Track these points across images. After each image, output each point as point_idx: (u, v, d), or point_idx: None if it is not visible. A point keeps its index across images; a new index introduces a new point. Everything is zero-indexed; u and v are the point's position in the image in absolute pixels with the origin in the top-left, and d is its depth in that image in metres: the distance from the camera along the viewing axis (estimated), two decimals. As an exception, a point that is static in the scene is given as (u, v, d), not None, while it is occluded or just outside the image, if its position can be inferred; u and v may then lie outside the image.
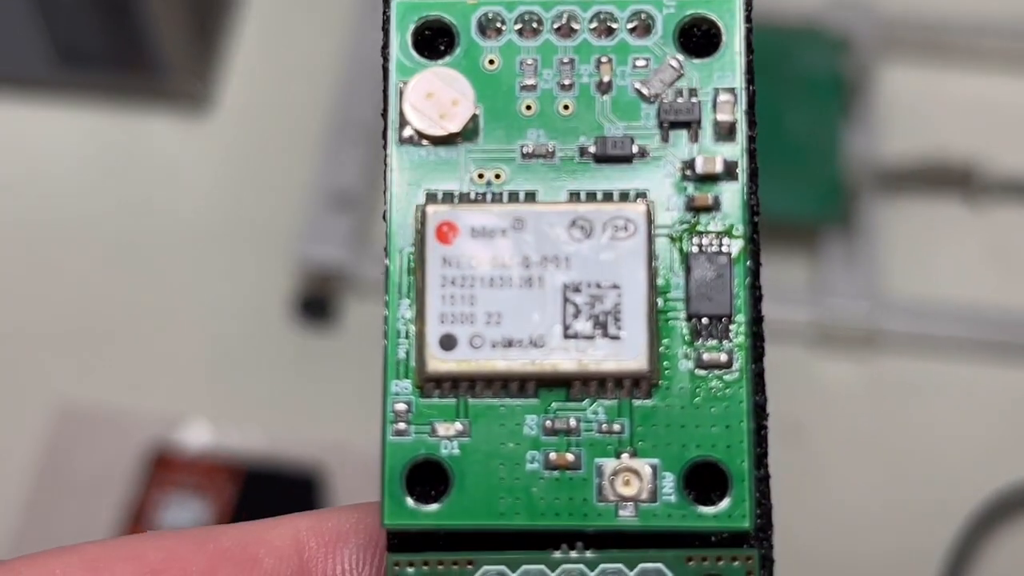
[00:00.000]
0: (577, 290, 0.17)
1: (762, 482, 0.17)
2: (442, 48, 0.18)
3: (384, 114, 0.18)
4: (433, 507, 0.17)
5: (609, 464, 0.17)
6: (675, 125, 0.18)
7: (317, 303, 0.46)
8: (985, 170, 0.48)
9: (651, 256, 0.17)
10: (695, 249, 0.17)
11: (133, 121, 0.50)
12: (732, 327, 0.17)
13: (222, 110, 0.50)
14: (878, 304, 0.46)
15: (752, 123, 0.18)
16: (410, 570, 0.17)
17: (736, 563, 0.17)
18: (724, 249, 0.17)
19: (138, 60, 0.48)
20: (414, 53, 0.18)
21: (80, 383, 0.45)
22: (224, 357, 0.46)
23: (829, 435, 0.45)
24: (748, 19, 0.18)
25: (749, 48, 0.18)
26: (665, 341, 0.17)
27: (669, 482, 0.17)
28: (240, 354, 0.46)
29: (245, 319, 0.46)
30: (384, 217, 0.17)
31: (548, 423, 0.17)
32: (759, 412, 0.17)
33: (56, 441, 0.43)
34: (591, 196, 0.18)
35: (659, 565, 0.17)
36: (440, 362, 0.17)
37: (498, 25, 0.18)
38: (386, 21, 0.18)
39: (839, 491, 0.44)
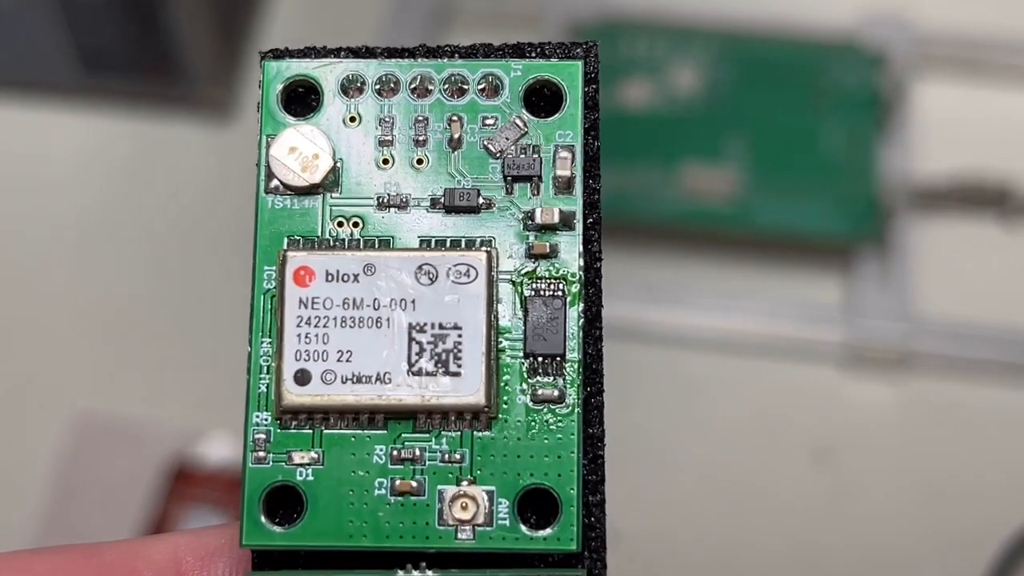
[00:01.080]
0: (422, 330, 0.19)
1: (596, 507, 0.19)
2: (313, 104, 0.20)
3: (258, 164, 0.19)
4: (286, 528, 0.19)
5: (449, 491, 0.19)
6: (518, 179, 0.19)
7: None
8: (1021, 190, 0.48)
9: (491, 299, 0.19)
10: (531, 293, 0.19)
11: (157, 127, 0.50)
12: (566, 365, 0.19)
13: (245, 116, 0.50)
14: (912, 325, 0.46)
15: (595, 176, 0.19)
16: (266, 586, 0.19)
17: (566, 583, 0.19)
18: (559, 293, 0.19)
19: (162, 66, 0.48)
20: (280, 111, 0.20)
21: (100, 395, 0.45)
22: (245, 369, 0.47)
23: (860, 458, 0.45)
24: (593, 80, 0.19)
25: (594, 106, 0.19)
26: (505, 378, 0.19)
27: (504, 507, 0.18)
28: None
29: None
30: (251, 262, 0.19)
31: (395, 452, 0.19)
32: (595, 443, 0.19)
33: (76, 453, 0.43)
34: (441, 243, 0.19)
35: (495, 585, 0.19)
36: (295, 396, 0.19)
37: (359, 85, 0.20)
38: (260, 80, 0.20)
39: (870, 514, 0.44)
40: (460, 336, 0.19)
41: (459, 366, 0.19)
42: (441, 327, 0.19)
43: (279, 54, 0.20)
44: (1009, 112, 0.50)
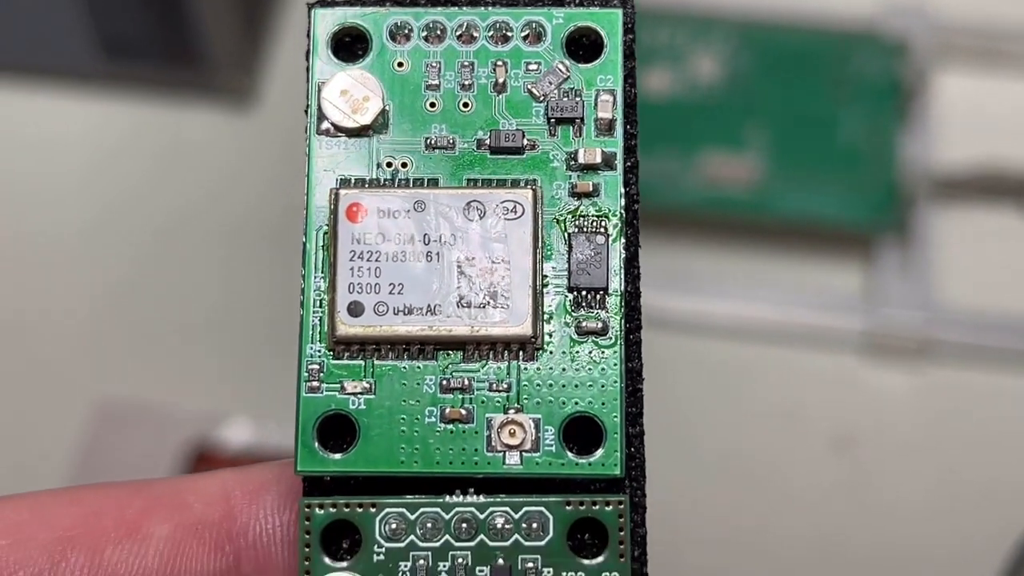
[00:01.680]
0: (471, 264, 0.19)
1: (636, 438, 0.20)
2: (359, 52, 0.20)
3: (306, 110, 0.20)
4: (340, 455, 0.19)
5: (497, 418, 0.19)
6: (561, 121, 0.20)
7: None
8: (1042, 180, 0.48)
9: (537, 235, 0.20)
10: (575, 230, 0.20)
11: (178, 114, 0.50)
12: (608, 299, 0.20)
13: (267, 103, 0.50)
14: (932, 313, 0.46)
15: (633, 122, 0.20)
16: (319, 512, 0.19)
17: (609, 507, 0.19)
18: (601, 230, 0.20)
19: (184, 53, 0.49)
20: (332, 57, 0.20)
21: (121, 380, 0.46)
22: (266, 354, 0.46)
23: (881, 445, 0.45)
24: (630, 30, 0.20)
25: (630, 55, 0.20)
26: (548, 311, 0.20)
27: (550, 434, 0.19)
28: (282, 351, 0.46)
29: (288, 315, 0.47)
30: (304, 201, 0.20)
31: (444, 382, 0.19)
32: (634, 376, 0.20)
33: (97, 438, 0.43)
34: (486, 183, 0.20)
35: (541, 508, 0.19)
36: (348, 327, 0.19)
37: (407, 32, 0.20)
38: (309, 28, 0.20)
39: (889, 502, 0.45)
40: (507, 269, 0.19)
41: (507, 298, 0.19)
42: (489, 261, 0.19)
43: (327, 3, 0.20)
44: (1030, 102, 0.50)
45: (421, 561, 0.19)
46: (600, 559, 0.19)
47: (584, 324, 0.19)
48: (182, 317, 0.47)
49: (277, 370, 0.46)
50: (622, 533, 0.19)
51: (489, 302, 0.19)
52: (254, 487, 0.20)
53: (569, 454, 0.19)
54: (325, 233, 0.20)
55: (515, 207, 0.20)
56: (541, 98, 0.20)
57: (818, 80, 0.49)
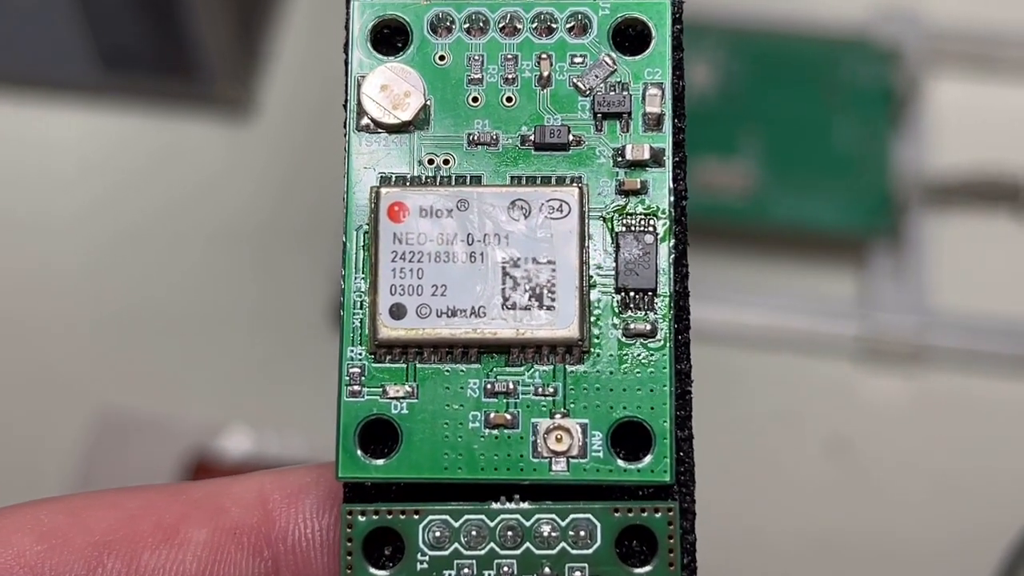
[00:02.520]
0: (516, 265, 0.19)
1: (685, 442, 0.19)
2: (399, 45, 0.20)
3: (345, 105, 0.20)
4: (382, 461, 0.19)
5: (543, 423, 0.19)
6: (608, 116, 0.19)
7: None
8: (1034, 185, 0.48)
9: (583, 234, 0.19)
10: (623, 229, 0.19)
11: (176, 125, 0.50)
12: (657, 300, 0.19)
13: (265, 114, 0.50)
14: (926, 319, 0.46)
15: (681, 115, 0.20)
16: (362, 519, 0.19)
17: (658, 514, 0.19)
18: (649, 229, 0.19)
19: (182, 64, 0.48)
20: (372, 50, 0.20)
21: (122, 390, 0.46)
22: (265, 363, 0.46)
23: (875, 450, 0.45)
24: (678, 20, 0.20)
25: (678, 47, 0.20)
26: (596, 312, 0.19)
27: (598, 440, 0.19)
28: (281, 360, 0.46)
29: (286, 325, 0.47)
30: (343, 199, 0.19)
31: (489, 386, 0.19)
32: (683, 378, 0.19)
33: (98, 447, 0.43)
34: (531, 180, 0.19)
35: (588, 516, 0.19)
36: (390, 330, 0.19)
37: (448, 24, 0.20)
38: (347, 20, 0.20)
39: (884, 506, 0.45)
40: (554, 270, 0.19)
41: (553, 300, 0.19)
42: (535, 261, 0.19)
43: None
44: (1021, 107, 0.50)
45: (465, 570, 0.19)
46: (649, 567, 0.19)
47: (632, 326, 0.19)
48: (181, 327, 0.47)
49: (276, 380, 0.46)
50: (671, 541, 0.19)
51: (535, 303, 0.19)
52: (292, 490, 0.20)
53: (618, 460, 0.19)
54: (366, 233, 0.19)
55: (561, 205, 0.19)
56: (587, 92, 0.19)
57: (811, 87, 0.49)
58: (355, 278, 0.19)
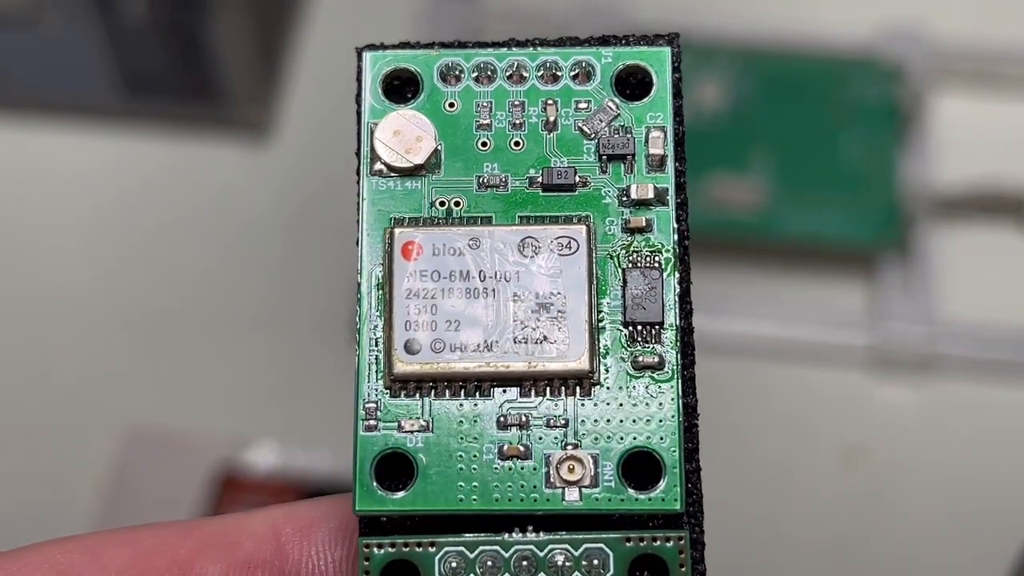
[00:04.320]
0: (526, 300, 0.20)
1: (693, 474, 0.20)
2: (409, 95, 0.21)
3: (357, 152, 0.20)
4: (399, 495, 0.19)
5: (556, 454, 0.19)
6: (612, 158, 0.20)
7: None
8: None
9: (591, 270, 0.20)
10: (630, 265, 0.20)
11: (198, 148, 0.51)
12: (664, 333, 0.20)
13: (284, 137, 0.51)
14: (935, 329, 0.47)
15: (682, 159, 0.20)
16: (378, 551, 0.19)
17: (669, 543, 0.19)
18: (656, 264, 0.20)
19: (203, 89, 0.49)
20: (384, 98, 0.20)
21: (149, 407, 0.46)
22: (290, 378, 0.47)
23: (887, 459, 0.46)
24: (677, 69, 0.21)
25: (678, 94, 0.20)
26: (604, 346, 0.20)
27: (609, 470, 0.19)
28: (306, 375, 0.47)
29: (309, 340, 0.47)
30: (356, 241, 0.20)
31: (502, 418, 0.20)
32: (690, 412, 0.20)
33: (125, 463, 0.44)
34: (539, 220, 0.20)
35: (601, 545, 0.19)
36: (405, 365, 0.19)
37: (457, 73, 0.21)
38: (359, 71, 0.20)
39: (897, 515, 0.45)
40: (563, 305, 0.19)
41: (563, 333, 0.19)
42: (545, 297, 0.20)
43: (374, 46, 0.21)
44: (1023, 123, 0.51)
45: (481, 599, 0.19)
46: (661, 596, 0.19)
47: (640, 359, 0.20)
48: (206, 344, 0.48)
49: (302, 394, 0.47)
50: (683, 569, 0.19)
51: (545, 337, 0.19)
52: (304, 524, 0.20)
53: (629, 490, 0.19)
54: (380, 273, 0.20)
55: (569, 243, 0.20)
56: (592, 136, 0.20)
57: (819, 105, 0.50)
58: (370, 316, 0.20)
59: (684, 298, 0.20)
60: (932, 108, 0.51)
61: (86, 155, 0.51)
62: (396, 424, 0.20)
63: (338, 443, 0.44)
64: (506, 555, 0.19)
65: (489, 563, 0.19)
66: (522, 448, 0.19)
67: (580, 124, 0.20)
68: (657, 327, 0.20)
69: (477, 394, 0.20)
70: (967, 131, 0.51)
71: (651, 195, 0.20)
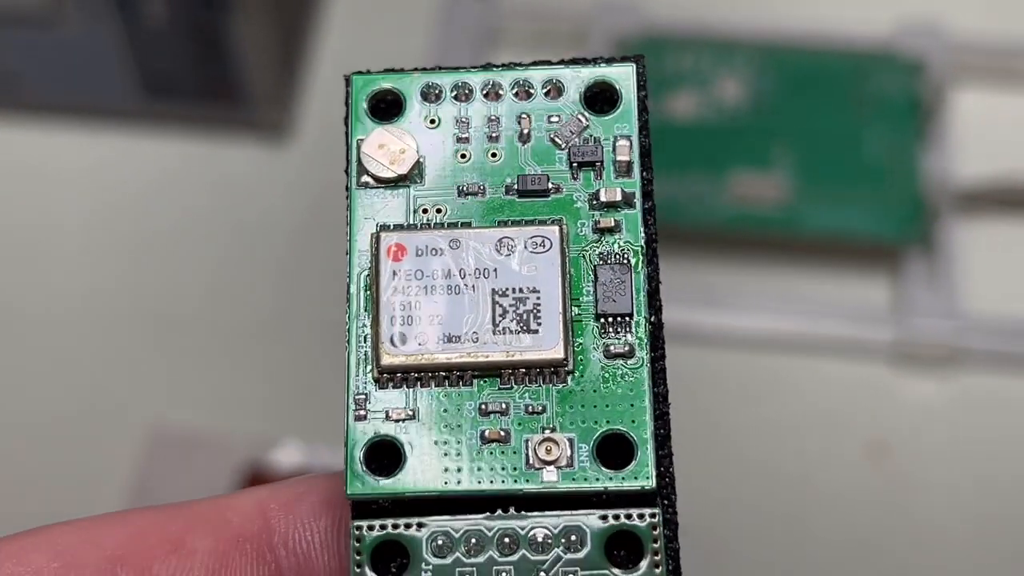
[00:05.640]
0: (504, 295, 0.21)
1: (665, 458, 0.21)
2: (393, 115, 0.22)
3: (347, 170, 0.22)
4: (388, 480, 0.21)
5: (534, 438, 0.21)
6: (583, 165, 0.22)
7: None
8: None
9: (565, 266, 0.21)
10: (600, 261, 0.21)
11: (218, 150, 0.52)
12: (633, 323, 0.21)
13: (303, 138, 0.52)
14: (960, 322, 0.47)
15: (649, 168, 0.22)
16: (369, 533, 0.21)
17: (643, 521, 0.21)
18: (624, 261, 0.21)
19: (223, 91, 0.50)
20: (368, 118, 0.22)
21: (174, 407, 0.47)
22: (314, 377, 0.48)
23: (913, 454, 0.46)
24: (643, 86, 0.22)
25: (644, 109, 0.22)
26: (578, 337, 0.21)
27: (584, 452, 0.21)
28: (329, 373, 0.48)
29: (332, 338, 0.48)
30: (346, 249, 0.22)
31: (483, 406, 0.21)
32: (660, 401, 0.21)
33: (150, 463, 0.45)
34: (516, 222, 0.22)
35: (578, 523, 0.21)
36: (391, 357, 0.21)
37: (437, 92, 0.22)
38: (346, 96, 0.22)
39: (924, 509, 0.46)
40: (539, 298, 0.21)
41: (539, 325, 0.21)
42: (521, 291, 0.21)
43: (361, 72, 0.23)
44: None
45: (467, 575, 0.21)
46: (637, 571, 0.21)
47: (612, 348, 0.21)
48: (229, 345, 0.49)
49: (326, 393, 0.48)
50: (656, 545, 0.21)
51: (523, 329, 0.21)
52: (288, 499, 0.22)
53: (603, 469, 0.21)
54: (367, 275, 0.22)
55: (543, 241, 0.21)
56: (563, 146, 0.22)
57: (840, 100, 0.51)
58: (359, 316, 0.21)
59: (653, 296, 0.21)
60: (953, 102, 0.51)
61: (106, 156, 0.52)
62: (384, 413, 0.21)
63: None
64: (489, 533, 0.21)
65: (473, 541, 0.21)
66: (502, 432, 0.21)
67: (552, 136, 0.22)
68: (627, 318, 0.21)
69: (460, 383, 0.21)
70: (988, 125, 0.51)
71: (619, 198, 0.22)
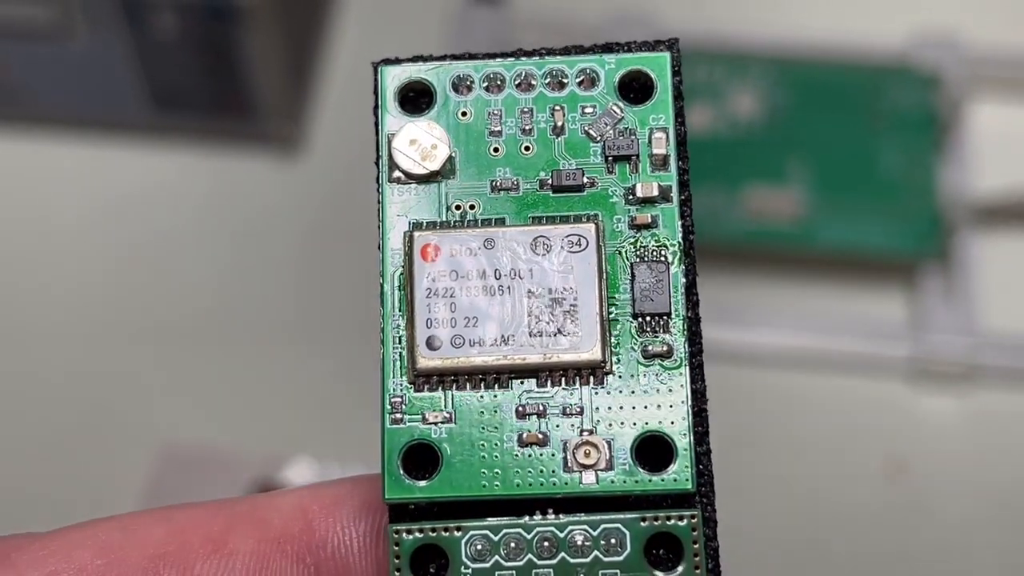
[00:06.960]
0: (540, 295, 0.21)
1: (704, 456, 0.21)
2: (423, 106, 0.22)
3: (377, 161, 0.22)
4: (425, 483, 0.20)
5: (572, 440, 0.20)
6: (618, 159, 0.21)
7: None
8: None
9: (601, 265, 0.21)
10: (637, 259, 0.21)
11: (228, 163, 0.51)
12: (672, 323, 0.21)
13: (314, 151, 0.52)
14: (977, 338, 0.47)
15: (685, 158, 0.22)
16: (407, 537, 0.20)
17: (683, 522, 0.20)
18: (662, 258, 0.21)
19: (234, 103, 0.50)
20: (399, 110, 0.22)
21: (184, 425, 0.47)
22: (325, 393, 0.47)
23: (930, 470, 0.46)
24: (677, 72, 0.22)
25: (679, 96, 0.22)
26: (615, 336, 0.21)
27: (623, 454, 0.20)
28: (341, 390, 0.47)
29: (344, 355, 0.48)
30: (378, 246, 0.21)
31: (520, 408, 0.21)
32: (699, 397, 0.21)
33: (161, 482, 0.44)
34: (550, 219, 0.21)
35: (618, 525, 0.20)
36: (427, 360, 0.21)
37: (468, 83, 0.22)
38: (376, 85, 0.22)
39: (942, 526, 0.45)
40: (575, 299, 0.21)
41: (576, 326, 0.21)
42: (558, 291, 0.21)
43: (390, 61, 0.22)
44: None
45: (506, 580, 0.20)
46: (677, 572, 0.20)
47: (650, 348, 0.21)
48: (240, 362, 0.48)
49: (338, 410, 0.47)
50: (696, 546, 0.20)
51: (559, 330, 0.21)
52: (329, 501, 0.21)
53: (642, 472, 0.20)
54: (401, 274, 0.21)
55: (579, 240, 0.21)
56: (598, 138, 0.21)
57: (855, 113, 0.50)
58: (393, 316, 0.21)
59: (690, 290, 0.21)
60: (969, 116, 0.51)
61: (117, 169, 0.51)
62: (421, 416, 0.21)
63: (373, 458, 0.45)
64: (528, 537, 0.20)
65: (512, 545, 0.20)
66: (540, 435, 0.20)
67: (586, 128, 0.21)
68: (665, 317, 0.21)
69: (496, 386, 0.21)
70: (1005, 139, 0.51)
71: (656, 193, 0.21)
